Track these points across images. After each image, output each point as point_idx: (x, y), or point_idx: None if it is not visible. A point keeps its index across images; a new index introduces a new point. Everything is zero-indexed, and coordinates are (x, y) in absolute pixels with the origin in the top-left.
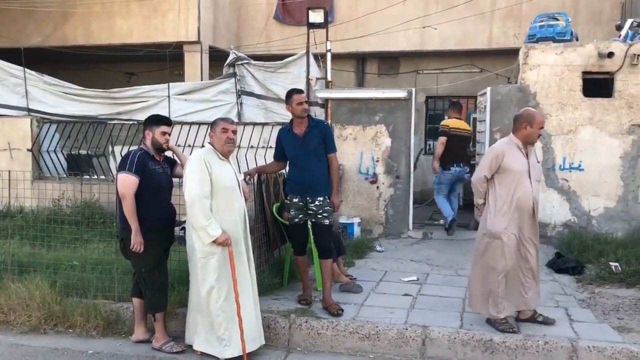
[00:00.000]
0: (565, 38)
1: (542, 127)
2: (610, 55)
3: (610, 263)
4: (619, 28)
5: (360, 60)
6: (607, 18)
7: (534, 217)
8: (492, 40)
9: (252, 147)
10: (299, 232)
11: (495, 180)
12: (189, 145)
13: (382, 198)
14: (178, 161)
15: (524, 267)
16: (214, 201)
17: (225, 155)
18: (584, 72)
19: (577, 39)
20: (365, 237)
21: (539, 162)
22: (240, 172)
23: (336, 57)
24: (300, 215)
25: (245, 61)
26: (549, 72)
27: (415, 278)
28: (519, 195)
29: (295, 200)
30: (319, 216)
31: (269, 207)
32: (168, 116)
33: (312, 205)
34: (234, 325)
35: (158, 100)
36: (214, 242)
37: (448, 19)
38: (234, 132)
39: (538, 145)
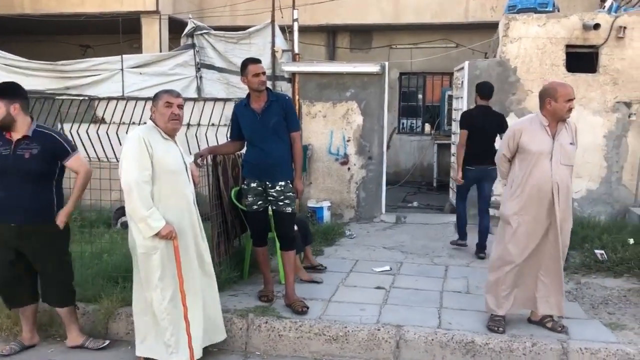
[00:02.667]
0: (547, 9)
1: (572, 99)
2: (597, 27)
3: (596, 251)
4: None
5: (330, 33)
6: None
7: (560, 209)
8: (469, 13)
9: (212, 125)
10: (258, 221)
11: (516, 160)
12: (144, 123)
13: (353, 180)
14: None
15: (543, 263)
16: (156, 187)
17: (170, 133)
18: (568, 46)
19: (558, 10)
20: (336, 222)
21: (572, 143)
22: (191, 153)
23: (305, 30)
24: (260, 202)
25: (205, 31)
26: (531, 45)
27: (388, 268)
28: (534, 177)
29: (254, 185)
30: (281, 203)
31: (226, 192)
32: (122, 91)
33: (273, 190)
34: (181, 329)
35: (111, 73)
36: (156, 235)
37: None
38: (180, 106)
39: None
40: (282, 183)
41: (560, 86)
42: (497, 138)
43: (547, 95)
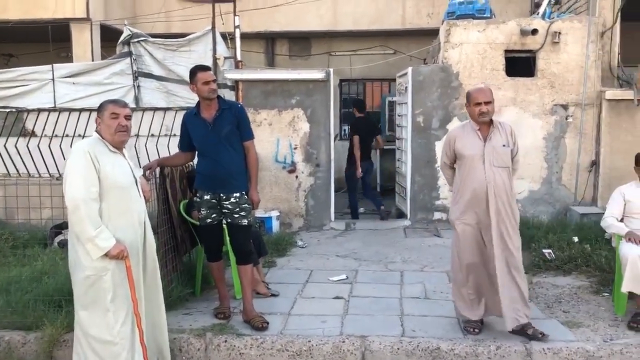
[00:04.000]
0: (485, 15)
1: (480, 103)
2: (534, 32)
3: (544, 250)
4: (537, 5)
5: (269, 40)
6: None
7: (496, 210)
8: (406, 20)
9: (152, 135)
10: (213, 235)
11: (456, 166)
12: (79, 136)
13: (301, 188)
14: None
15: (492, 265)
16: (104, 204)
17: (118, 146)
18: (507, 51)
19: (494, 17)
20: (285, 232)
21: (505, 145)
22: (139, 167)
23: (244, 37)
24: (214, 215)
25: (142, 38)
26: (472, 50)
27: (344, 277)
28: (470, 181)
29: (207, 197)
30: (236, 215)
31: (175, 205)
32: (53, 102)
33: (227, 202)
34: (137, 354)
35: (41, 84)
36: (106, 255)
37: None
38: (127, 117)
39: None
40: (237, 194)
41: (472, 91)
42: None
43: (466, 100)
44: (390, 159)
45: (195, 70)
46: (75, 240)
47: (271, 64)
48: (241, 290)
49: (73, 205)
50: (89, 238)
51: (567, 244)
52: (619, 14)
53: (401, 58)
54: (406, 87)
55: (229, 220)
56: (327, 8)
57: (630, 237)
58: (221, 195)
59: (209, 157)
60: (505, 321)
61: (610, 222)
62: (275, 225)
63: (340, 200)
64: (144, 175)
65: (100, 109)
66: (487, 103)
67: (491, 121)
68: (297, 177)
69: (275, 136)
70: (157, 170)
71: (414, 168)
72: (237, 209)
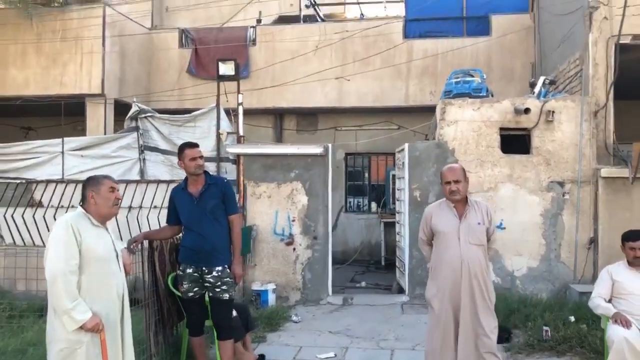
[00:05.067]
0: (481, 94)
1: (450, 182)
2: (527, 111)
3: (544, 327)
4: (533, 85)
5: (278, 116)
6: (519, 76)
7: (469, 287)
8: (409, 97)
9: (155, 207)
10: (194, 309)
11: (433, 242)
12: None
13: (299, 261)
14: None
15: (460, 349)
16: (83, 277)
17: (108, 219)
18: (502, 128)
19: (492, 95)
20: (281, 305)
21: (480, 223)
22: (121, 239)
23: (253, 112)
24: (196, 289)
25: (150, 114)
26: (467, 128)
27: (332, 355)
28: (445, 258)
29: (189, 270)
30: (217, 289)
31: (162, 278)
32: (62, 173)
33: (209, 276)
34: None
35: (51, 156)
36: (82, 328)
37: (365, 76)
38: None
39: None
40: (219, 268)
41: (444, 170)
42: None
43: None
44: (394, 233)
45: (183, 147)
46: (52, 312)
47: (279, 138)
48: None
49: (51, 277)
50: (65, 310)
51: (563, 323)
52: (612, 93)
53: (404, 133)
54: (403, 162)
55: (211, 294)
56: (332, 87)
57: (617, 319)
58: (203, 269)
59: (194, 230)
60: None
61: (598, 303)
62: (271, 298)
63: (341, 274)
64: (128, 248)
65: (93, 183)
66: (456, 182)
67: (467, 199)
68: (294, 249)
69: (274, 208)
70: (145, 243)
71: (412, 242)
72: (219, 283)
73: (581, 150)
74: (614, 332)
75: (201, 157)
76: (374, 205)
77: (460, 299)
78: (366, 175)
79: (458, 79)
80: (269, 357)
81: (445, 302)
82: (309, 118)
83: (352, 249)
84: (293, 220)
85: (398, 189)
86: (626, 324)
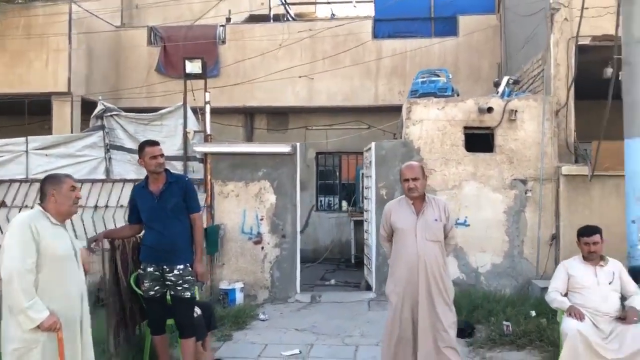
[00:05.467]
0: (446, 94)
1: (408, 179)
2: (490, 110)
3: (504, 322)
4: (497, 85)
5: (248, 115)
6: (486, 76)
7: (426, 283)
8: (379, 97)
9: (121, 206)
10: (156, 307)
11: (393, 239)
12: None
13: (267, 259)
14: None
15: (419, 344)
16: (41, 275)
17: (68, 217)
18: (466, 127)
19: (458, 95)
20: (249, 304)
21: (437, 220)
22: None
23: (224, 111)
24: (157, 287)
25: (115, 112)
26: (432, 127)
27: (297, 351)
28: (403, 254)
29: (150, 269)
30: (179, 288)
31: (125, 277)
32: (25, 173)
33: (171, 275)
34: None
35: (14, 155)
36: (38, 327)
37: (335, 76)
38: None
39: None
40: (181, 267)
41: (402, 168)
42: None
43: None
44: (364, 231)
45: (143, 145)
46: (7, 312)
47: (250, 137)
48: None
49: (7, 276)
50: (22, 309)
51: (524, 318)
52: (572, 93)
53: (374, 132)
54: (370, 161)
55: (172, 293)
56: (302, 86)
57: (571, 312)
58: (164, 267)
59: (155, 229)
60: None
61: (554, 297)
62: (239, 297)
63: (312, 272)
64: (88, 247)
65: (56, 182)
66: (414, 179)
67: (425, 196)
68: (263, 248)
69: (242, 207)
70: (106, 242)
71: (378, 240)
72: (180, 281)
73: (543, 148)
74: (568, 325)
75: (162, 155)
76: (344, 203)
77: (418, 295)
78: (337, 174)
79: (424, 79)
80: (234, 355)
81: (403, 297)
82: (279, 117)
83: (323, 248)
84: (261, 219)
85: (366, 188)
86: (580, 316)
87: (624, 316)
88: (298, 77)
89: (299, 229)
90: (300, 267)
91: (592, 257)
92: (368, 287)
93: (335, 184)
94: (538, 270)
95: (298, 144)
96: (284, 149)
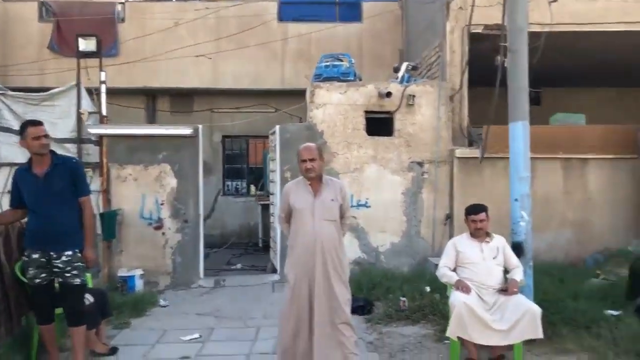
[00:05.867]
0: (349, 78)
1: (305, 160)
2: (389, 95)
3: (401, 298)
4: (396, 70)
5: (150, 97)
6: (389, 62)
7: (322, 262)
8: (285, 80)
9: (8, 192)
10: (42, 296)
11: (291, 220)
12: None
13: (168, 245)
14: None
15: (316, 322)
16: None
17: None
18: (367, 111)
19: (360, 80)
20: (150, 291)
21: (333, 200)
22: None
23: (123, 92)
24: (43, 275)
25: (1, 92)
26: (335, 110)
27: (197, 335)
28: (300, 234)
29: (35, 256)
30: (68, 274)
31: (9, 264)
32: None
33: (58, 261)
34: None
35: None
36: None
37: (241, 58)
38: None
39: None
40: (69, 253)
41: (300, 149)
42: None
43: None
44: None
45: (25, 125)
46: None
47: (152, 119)
48: (72, 354)
49: None
50: None
51: (420, 294)
52: (466, 79)
53: (282, 116)
54: (275, 144)
55: (61, 280)
56: (207, 67)
57: (459, 286)
58: (51, 253)
59: (40, 213)
60: None
61: (443, 272)
62: (139, 284)
63: (219, 257)
64: None
65: None
66: (311, 160)
67: (322, 177)
68: (163, 233)
69: (141, 192)
70: None
71: None
72: (69, 268)
73: (439, 132)
74: (455, 298)
75: (46, 135)
76: (252, 188)
77: (315, 273)
78: (244, 158)
79: (328, 63)
80: (131, 342)
81: (300, 276)
82: (183, 99)
83: (230, 232)
84: (162, 204)
85: (271, 171)
86: (466, 290)
87: (506, 288)
88: (202, 58)
89: (202, 214)
90: (206, 252)
91: (479, 234)
92: (274, 270)
93: (243, 167)
94: (434, 249)
95: (200, 126)
96: (185, 131)
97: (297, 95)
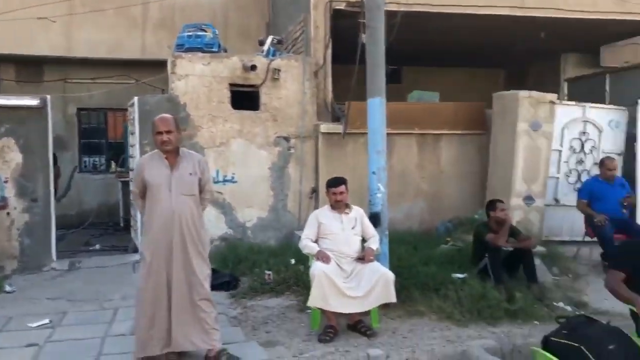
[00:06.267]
0: (213, 49)
1: (161, 132)
2: (254, 68)
3: (266, 272)
4: (262, 43)
5: None
6: (255, 35)
7: (181, 238)
8: (146, 50)
9: None
10: None
11: (146, 195)
12: None
13: (14, 226)
14: None
15: (174, 298)
16: None
17: None
18: (232, 85)
19: (225, 51)
20: None
21: (192, 174)
22: None
23: None
24: None
25: None
26: (198, 82)
27: (47, 321)
28: (157, 210)
29: None
30: None
31: None
32: None
33: None
34: None
35: None
36: None
37: (97, 25)
38: None
39: None
40: None
41: (155, 120)
42: None
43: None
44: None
45: None
46: None
47: None
48: None
49: None
50: None
51: (285, 266)
52: (330, 55)
53: (142, 87)
54: (134, 117)
55: None
56: (59, 33)
57: (319, 256)
58: None
59: None
60: (176, 345)
61: (305, 243)
62: None
63: (76, 238)
64: None
65: None
66: (167, 132)
67: (179, 150)
68: (8, 214)
69: None
70: None
71: None
72: None
73: (304, 107)
74: (315, 268)
75: None
76: (113, 164)
77: (172, 250)
78: (103, 132)
79: (190, 33)
80: None
81: (157, 253)
82: (31, 68)
83: (88, 211)
84: (5, 181)
85: (131, 146)
86: (326, 259)
87: (363, 256)
88: (52, 23)
89: (52, 192)
90: (61, 233)
91: (339, 206)
92: (136, 250)
93: (102, 142)
94: (300, 222)
95: (49, 97)
96: (31, 102)
97: (160, 66)
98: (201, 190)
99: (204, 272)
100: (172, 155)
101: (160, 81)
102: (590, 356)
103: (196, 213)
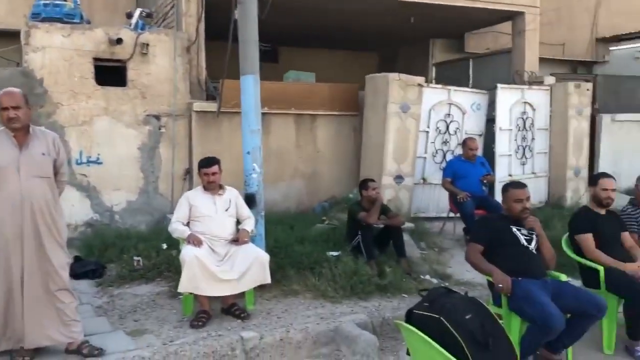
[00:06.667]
0: (74, 21)
1: (7, 108)
2: (120, 41)
3: (135, 257)
4: (129, 16)
5: None
6: (123, 8)
7: (33, 224)
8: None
9: None
10: None
11: None
12: None
13: None
14: None
15: (26, 290)
16: None
17: None
18: (96, 59)
19: (89, 23)
20: None
21: (45, 154)
22: None
23: None
24: None
25: None
26: (57, 56)
27: None
28: (3, 195)
29: None
30: None
31: None
32: None
33: None
34: None
35: None
36: None
37: None
38: None
39: None
40: None
41: (1, 94)
42: None
43: None
44: None
45: None
46: None
47: None
48: None
49: None
50: None
51: (156, 251)
52: (203, 30)
53: None
54: None
55: None
56: None
57: (190, 240)
58: None
59: None
60: (29, 341)
61: (175, 227)
62: None
63: None
64: None
65: None
66: (15, 108)
67: (29, 128)
68: None
69: None
70: None
71: None
72: None
73: (176, 84)
74: (186, 252)
75: None
76: None
77: (24, 238)
78: None
79: (47, 2)
80: None
81: (6, 242)
82: None
83: None
84: None
85: None
86: (197, 243)
87: (237, 238)
88: None
89: None
90: None
91: (212, 187)
92: None
93: None
94: (173, 205)
95: None
96: None
97: (15, 37)
98: (56, 172)
99: (60, 260)
100: (21, 133)
101: (16, 53)
102: (449, 326)
103: (51, 197)
